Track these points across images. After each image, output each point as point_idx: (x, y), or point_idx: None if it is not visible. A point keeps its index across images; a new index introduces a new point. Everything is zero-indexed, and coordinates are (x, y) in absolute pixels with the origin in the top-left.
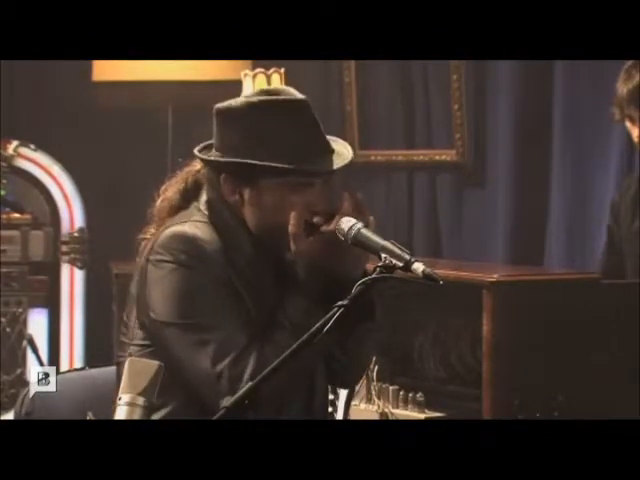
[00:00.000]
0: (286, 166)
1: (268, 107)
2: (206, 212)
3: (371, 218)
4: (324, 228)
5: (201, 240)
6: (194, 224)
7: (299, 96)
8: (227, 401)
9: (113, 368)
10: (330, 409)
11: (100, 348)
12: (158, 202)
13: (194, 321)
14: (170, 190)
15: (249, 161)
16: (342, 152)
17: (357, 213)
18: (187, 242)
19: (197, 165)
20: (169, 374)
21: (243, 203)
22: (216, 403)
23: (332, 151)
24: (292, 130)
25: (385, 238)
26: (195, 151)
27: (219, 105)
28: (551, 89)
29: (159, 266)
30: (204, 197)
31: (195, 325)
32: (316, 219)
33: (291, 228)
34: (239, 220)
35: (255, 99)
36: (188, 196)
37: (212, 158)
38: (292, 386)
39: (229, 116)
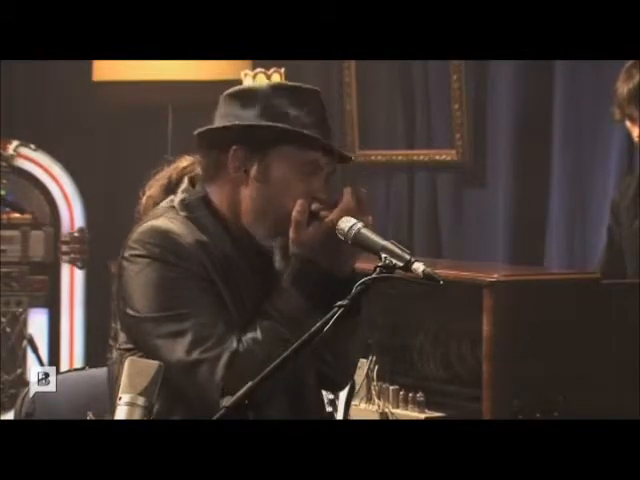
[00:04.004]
0: (310, 134)
1: (287, 90)
2: (181, 211)
3: (369, 218)
4: (323, 213)
5: (175, 234)
6: (168, 219)
7: (314, 87)
8: (227, 401)
9: None
10: (330, 409)
11: (100, 348)
12: (143, 199)
13: (169, 313)
14: (154, 187)
15: (279, 125)
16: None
17: (358, 209)
18: (161, 236)
19: (183, 162)
20: None
21: (247, 180)
22: (194, 392)
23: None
24: (309, 114)
25: (385, 238)
26: (196, 132)
27: (234, 88)
28: (551, 89)
29: (134, 261)
30: (179, 196)
31: (170, 317)
32: (314, 206)
33: (295, 215)
34: (215, 213)
35: (275, 82)
36: (171, 193)
37: (235, 123)
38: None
39: (247, 95)
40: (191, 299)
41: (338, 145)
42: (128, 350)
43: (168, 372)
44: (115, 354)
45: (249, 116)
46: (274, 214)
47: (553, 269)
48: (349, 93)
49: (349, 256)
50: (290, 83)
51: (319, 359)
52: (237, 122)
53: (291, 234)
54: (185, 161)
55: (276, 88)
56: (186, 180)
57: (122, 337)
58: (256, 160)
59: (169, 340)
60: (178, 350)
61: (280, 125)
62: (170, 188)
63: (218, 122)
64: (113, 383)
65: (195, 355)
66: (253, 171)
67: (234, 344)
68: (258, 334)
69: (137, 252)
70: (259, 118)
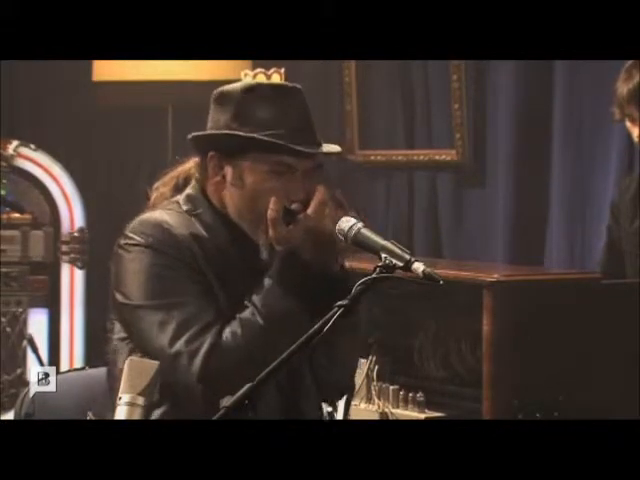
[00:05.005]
0: (269, 140)
1: (262, 91)
2: (184, 205)
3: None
4: (300, 216)
5: (168, 224)
6: (165, 211)
7: (293, 85)
8: (227, 401)
9: None
10: (330, 409)
11: (100, 348)
12: (153, 197)
13: (157, 302)
14: (164, 186)
15: (233, 132)
16: (329, 148)
17: (333, 202)
18: (155, 226)
19: (191, 163)
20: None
21: (224, 184)
22: (174, 383)
23: (319, 144)
24: (282, 113)
25: (385, 238)
26: (189, 136)
27: (217, 90)
28: (551, 89)
29: (128, 249)
30: (185, 192)
31: (158, 306)
32: (294, 206)
33: (270, 213)
34: (216, 210)
35: (251, 82)
36: (180, 190)
37: (199, 133)
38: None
39: (224, 98)
40: (180, 289)
41: (336, 142)
42: (123, 339)
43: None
44: (112, 345)
45: (223, 120)
46: (255, 215)
47: (553, 269)
48: (349, 93)
49: (336, 253)
50: (267, 83)
51: (317, 364)
52: (212, 126)
53: (270, 233)
54: (193, 162)
55: (249, 90)
56: (193, 179)
57: (117, 327)
58: (230, 165)
59: (154, 329)
60: (162, 339)
61: (235, 133)
62: (178, 187)
63: (208, 124)
64: (112, 375)
65: (177, 347)
66: (228, 176)
67: (215, 337)
68: (237, 327)
69: (130, 241)
70: (230, 122)
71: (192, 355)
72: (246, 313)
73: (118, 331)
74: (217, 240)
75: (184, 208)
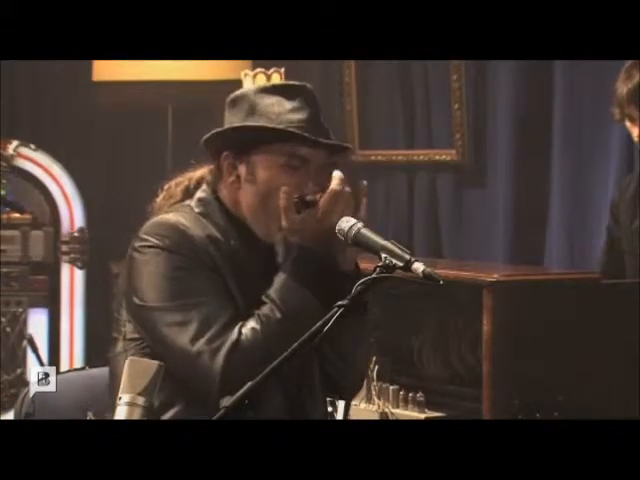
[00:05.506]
0: (284, 128)
1: (273, 89)
2: (196, 208)
3: (364, 201)
4: (312, 199)
5: (184, 225)
6: (179, 213)
7: (303, 83)
8: (227, 401)
9: None
10: (330, 409)
11: (100, 348)
12: (160, 197)
13: (176, 303)
14: (174, 187)
15: (248, 124)
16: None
17: (349, 193)
18: (170, 227)
19: (203, 169)
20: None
21: (240, 184)
22: (194, 382)
23: (331, 139)
24: (294, 108)
25: (385, 238)
26: (203, 138)
27: (231, 95)
28: (551, 89)
29: (143, 251)
30: (197, 195)
31: (176, 307)
32: (309, 197)
33: (281, 202)
34: (229, 213)
35: (263, 84)
36: (190, 194)
37: (213, 131)
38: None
39: (236, 100)
40: (197, 289)
41: (336, 140)
42: (134, 340)
43: (172, 361)
44: (120, 345)
45: (237, 120)
46: (270, 211)
47: (553, 269)
48: (349, 93)
49: (348, 247)
50: (278, 82)
51: (325, 360)
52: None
53: (282, 222)
54: (206, 169)
55: (262, 89)
56: (205, 183)
57: (129, 327)
58: (244, 163)
59: (174, 329)
60: (182, 340)
61: (250, 124)
62: (189, 189)
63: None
64: (116, 376)
65: (198, 345)
66: (243, 173)
67: (235, 335)
68: (257, 324)
69: (146, 243)
70: (244, 121)
71: (214, 354)
72: (264, 309)
73: (130, 332)
74: (231, 241)
75: (197, 210)
